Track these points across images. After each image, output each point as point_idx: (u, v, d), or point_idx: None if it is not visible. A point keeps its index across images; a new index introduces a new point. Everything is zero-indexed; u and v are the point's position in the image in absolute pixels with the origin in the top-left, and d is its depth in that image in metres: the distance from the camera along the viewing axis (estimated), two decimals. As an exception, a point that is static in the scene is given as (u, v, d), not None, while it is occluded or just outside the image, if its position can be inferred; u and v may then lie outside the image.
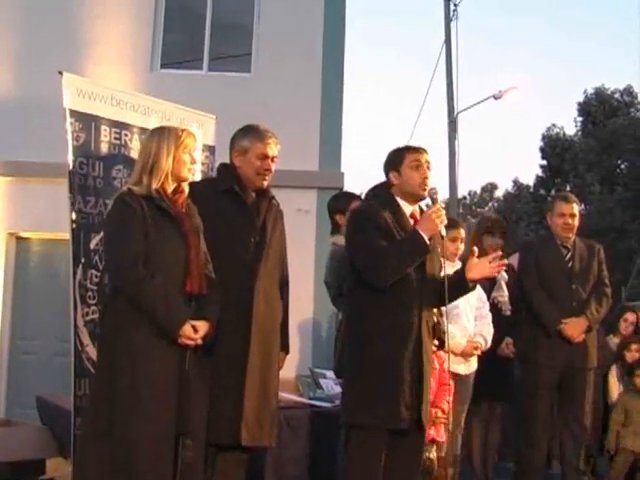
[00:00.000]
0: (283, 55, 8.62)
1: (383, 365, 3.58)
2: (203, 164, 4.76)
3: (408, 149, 3.81)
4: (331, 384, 5.15)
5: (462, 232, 4.90)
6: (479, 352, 4.77)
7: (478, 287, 4.92)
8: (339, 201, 5.10)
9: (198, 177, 4.43)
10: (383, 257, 3.55)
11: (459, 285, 3.75)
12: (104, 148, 4.20)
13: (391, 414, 3.56)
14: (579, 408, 4.96)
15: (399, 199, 3.76)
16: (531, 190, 27.23)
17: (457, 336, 4.57)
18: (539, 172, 26.81)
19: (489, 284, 5.06)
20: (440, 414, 4.13)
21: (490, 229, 5.38)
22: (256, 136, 3.72)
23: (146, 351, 3.17)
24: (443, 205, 3.74)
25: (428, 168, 3.75)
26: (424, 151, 3.79)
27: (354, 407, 3.65)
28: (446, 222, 3.69)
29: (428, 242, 3.61)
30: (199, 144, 4.39)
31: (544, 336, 4.94)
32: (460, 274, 3.77)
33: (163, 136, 3.39)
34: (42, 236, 8.32)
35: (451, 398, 4.24)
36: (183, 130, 3.47)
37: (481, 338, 4.80)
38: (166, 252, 3.27)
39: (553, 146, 25.69)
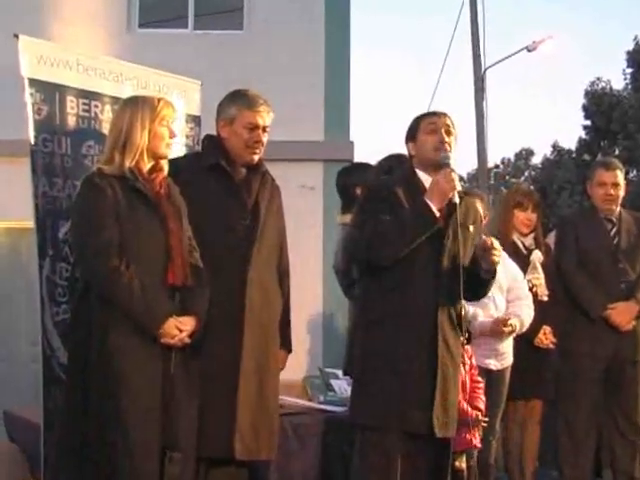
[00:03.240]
0: (280, 9, 8.61)
1: (387, 357, 3.59)
2: (188, 137, 4.75)
3: (425, 114, 3.84)
4: (344, 385, 5.15)
5: (479, 205, 4.84)
6: (512, 330, 4.70)
7: (512, 265, 4.91)
8: (351, 174, 5.02)
9: (182, 152, 4.43)
10: (384, 232, 3.55)
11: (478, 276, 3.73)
12: (71, 122, 4.19)
13: (398, 414, 3.57)
14: (630, 406, 4.94)
15: (419, 171, 3.76)
16: (573, 155, 27.08)
17: (480, 315, 4.55)
18: (582, 134, 26.64)
19: (521, 265, 5.03)
20: (480, 416, 4.14)
21: (521, 203, 5.30)
22: (244, 103, 3.71)
23: (124, 353, 3.17)
24: (453, 169, 3.67)
25: (448, 132, 3.73)
26: (443, 114, 3.79)
27: (359, 406, 3.67)
28: (459, 188, 3.64)
29: (437, 213, 3.58)
30: (180, 114, 4.38)
31: (586, 324, 4.92)
32: (472, 267, 3.74)
33: (136, 107, 3.38)
34: (6, 225, 8.33)
35: (484, 397, 4.24)
36: (159, 99, 3.46)
37: (516, 319, 4.73)
38: (143, 239, 3.27)
39: (598, 103, 25.48)
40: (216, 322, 3.45)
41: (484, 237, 3.71)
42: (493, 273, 3.75)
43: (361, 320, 3.77)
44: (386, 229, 3.56)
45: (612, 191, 5.02)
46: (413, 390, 3.57)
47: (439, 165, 3.69)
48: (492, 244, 3.63)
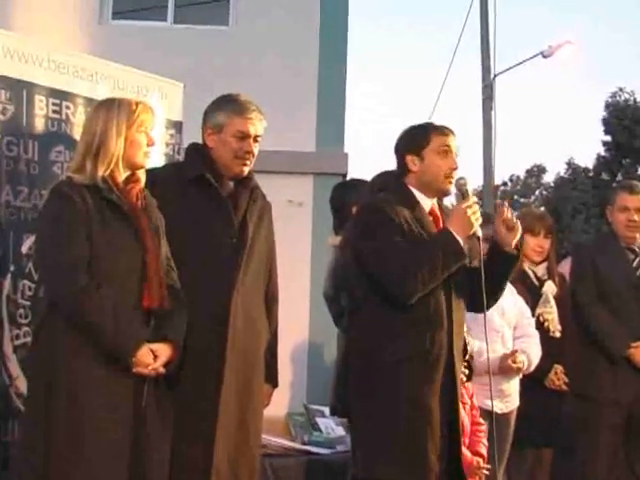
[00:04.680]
0: (270, 2, 8.66)
1: (404, 402, 3.61)
2: (168, 145, 4.78)
3: (436, 129, 3.84)
4: (331, 424, 5.17)
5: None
6: (521, 367, 4.75)
7: (520, 300, 4.96)
8: (348, 191, 5.04)
9: (161, 162, 4.45)
10: (410, 265, 3.58)
11: (499, 261, 3.78)
12: (39, 124, 4.21)
13: (416, 465, 3.60)
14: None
15: (415, 190, 3.79)
16: (591, 174, 27.20)
17: (485, 352, 4.58)
18: (601, 151, 26.79)
19: (532, 298, 5.07)
20: (482, 463, 4.15)
21: (531, 227, 5.34)
22: (234, 109, 3.72)
23: (90, 383, 3.18)
24: (476, 199, 3.76)
25: (456, 156, 3.80)
26: (453, 134, 3.83)
27: (368, 457, 3.68)
28: (481, 221, 3.73)
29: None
30: (160, 120, 4.39)
31: (606, 364, 4.96)
32: (494, 249, 3.81)
33: (112, 111, 3.39)
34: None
35: (486, 442, 4.26)
36: (137, 103, 3.47)
37: (524, 356, 4.80)
38: (116, 257, 3.28)
39: (620, 117, 25.60)
40: (195, 351, 3.45)
41: (499, 205, 3.76)
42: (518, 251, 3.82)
43: (362, 358, 3.76)
44: (414, 263, 3.58)
45: (636, 217, 5.05)
46: (429, 435, 3.61)
47: (446, 194, 3.78)
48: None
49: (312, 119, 8.56)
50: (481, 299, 3.71)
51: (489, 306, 3.83)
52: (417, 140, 3.81)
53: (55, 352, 3.22)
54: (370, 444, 3.68)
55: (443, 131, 3.82)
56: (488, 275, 3.72)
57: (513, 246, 3.78)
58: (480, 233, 3.74)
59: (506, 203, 3.81)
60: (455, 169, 3.77)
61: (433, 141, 3.77)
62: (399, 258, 3.60)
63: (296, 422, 5.17)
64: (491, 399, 3.93)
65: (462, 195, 3.76)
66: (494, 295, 3.88)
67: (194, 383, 3.51)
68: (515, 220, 3.76)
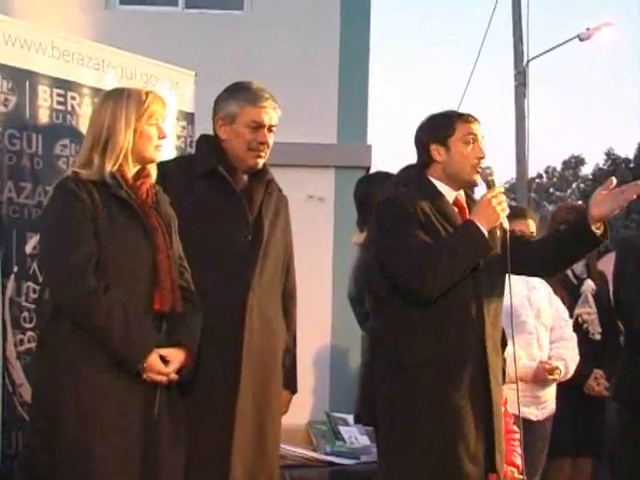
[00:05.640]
0: (288, -15, 8.65)
1: (432, 406, 3.62)
2: (179, 137, 4.78)
3: (460, 116, 3.85)
4: (355, 434, 5.17)
5: (532, 224, 4.88)
6: (557, 378, 4.76)
7: (556, 300, 4.95)
8: (373, 184, 5.02)
9: (172, 155, 4.46)
10: (430, 259, 3.59)
11: (576, 237, 3.75)
12: (44, 116, 4.22)
13: (448, 472, 3.60)
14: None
15: (437, 182, 3.80)
16: (631, 165, 27.13)
17: (522, 358, 4.57)
18: (643, 140, 26.71)
19: (570, 298, 5.05)
20: (517, 474, 4.16)
21: (568, 221, 5.31)
22: (247, 98, 3.73)
23: (98, 391, 3.19)
24: (502, 189, 3.75)
25: (483, 145, 3.81)
26: (478, 121, 3.84)
27: (395, 467, 3.68)
28: (508, 211, 3.71)
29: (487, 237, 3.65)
30: (171, 111, 4.40)
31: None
32: (579, 221, 3.76)
33: (120, 102, 3.40)
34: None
35: (520, 451, 4.25)
36: (147, 93, 3.47)
37: (561, 362, 4.79)
38: (126, 257, 3.29)
39: (662, 104, 25.52)
40: (209, 356, 3.47)
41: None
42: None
43: (386, 360, 3.76)
44: (435, 257, 3.59)
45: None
46: (463, 439, 3.61)
47: (473, 185, 3.77)
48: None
49: (333, 109, 8.55)
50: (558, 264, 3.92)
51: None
52: (441, 129, 3.81)
53: (61, 358, 3.23)
54: (396, 454, 3.69)
55: (468, 119, 3.83)
56: (560, 248, 3.79)
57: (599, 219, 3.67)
58: (507, 224, 3.73)
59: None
60: (482, 158, 3.77)
61: (458, 129, 3.78)
62: (419, 253, 3.60)
63: (318, 431, 5.18)
64: (518, 405, 3.96)
65: (487, 185, 3.76)
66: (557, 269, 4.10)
67: (209, 390, 3.53)
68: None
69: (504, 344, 3.99)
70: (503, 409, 4.22)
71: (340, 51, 8.61)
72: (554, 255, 3.86)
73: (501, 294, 3.83)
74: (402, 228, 3.66)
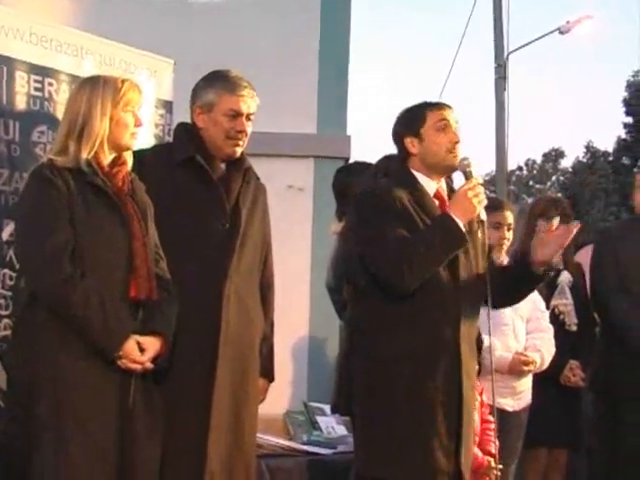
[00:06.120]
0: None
1: (409, 399, 3.63)
2: (157, 126, 4.78)
3: (428, 105, 3.86)
4: (332, 423, 5.19)
5: (509, 216, 4.90)
6: (532, 369, 4.79)
7: (534, 293, 4.96)
8: (352, 174, 5.05)
9: (150, 143, 4.45)
10: (407, 252, 3.59)
11: (521, 276, 3.80)
12: (20, 102, 4.19)
13: (423, 464, 3.61)
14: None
15: (418, 174, 3.80)
16: (610, 158, 27.25)
17: (498, 349, 4.60)
18: (622, 133, 26.84)
19: (546, 289, 5.07)
20: (493, 463, 4.15)
21: (546, 213, 5.33)
22: (225, 86, 3.73)
23: (74, 378, 3.19)
24: (480, 180, 3.76)
25: (457, 130, 3.80)
26: (449, 107, 3.84)
27: (371, 457, 3.69)
28: (486, 202, 3.72)
29: (464, 229, 3.65)
30: (149, 98, 4.39)
31: (628, 359, 4.93)
32: (520, 260, 3.82)
33: (96, 89, 3.40)
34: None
35: (496, 440, 4.27)
36: (124, 80, 3.47)
37: (537, 353, 4.82)
38: (102, 244, 3.29)
39: (641, 98, 25.66)
40: (185, 345, 3.47)
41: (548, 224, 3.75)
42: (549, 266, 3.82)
43: (364, 352, 3.77)
44: (411, 250, 3.59)
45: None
46: (435, 433, 3.62)
47: (453, 169, 3.77)
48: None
49: (313, 99, 8.49)
50: (503, 298, 3.84)
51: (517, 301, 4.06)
52: (413, 120, 3.82)
53: (37, 345, 3.23)
54: (373, 444, 3.70)
55: (438, 105, 3.84)
56: (508, 284, 3.82)
57: (542, 264, 3.75)
58: (484, 216, 3.74)
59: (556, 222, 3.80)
60: (457, 142, 3.76)
61: (429, 117, 3.78)
62: (395, 245, 3.60)
63: (295, 421, 5.20)
64: (492, 396, 4.02)
65: (465, 176, 3.76)
66: (510, 303, 4.07)
67: (185, 379, 3.53)
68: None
69: (479, 345, 4.01)
70: (479, 399, 4.25)
71: (321, 41, 8.57)
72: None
73: (480, 294, 3.80)
74: (380, 220, 3.66)
